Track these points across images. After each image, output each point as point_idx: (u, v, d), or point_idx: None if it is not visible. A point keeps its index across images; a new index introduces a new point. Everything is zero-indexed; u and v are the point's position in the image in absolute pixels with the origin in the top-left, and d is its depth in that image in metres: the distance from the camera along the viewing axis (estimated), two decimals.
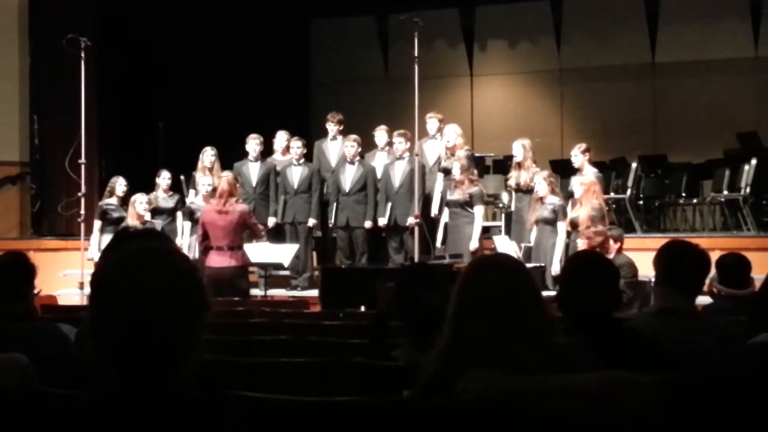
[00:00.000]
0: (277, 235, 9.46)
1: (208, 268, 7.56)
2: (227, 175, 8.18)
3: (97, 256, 8.58)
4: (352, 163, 9.46)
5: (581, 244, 7.00)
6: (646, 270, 6.21)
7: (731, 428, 1.99)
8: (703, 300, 4.72)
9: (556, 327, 2.33)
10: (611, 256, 6.71)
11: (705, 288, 5.83)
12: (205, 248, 7.91)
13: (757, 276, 4.84)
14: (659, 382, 1.99)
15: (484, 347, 2.07)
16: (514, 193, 9.13)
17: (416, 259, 8.57)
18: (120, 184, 9.25)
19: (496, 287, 2.13)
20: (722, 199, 10.49)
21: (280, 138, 10.03)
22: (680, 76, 13.07)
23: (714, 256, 3.80)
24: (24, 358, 2.59)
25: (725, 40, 12.79)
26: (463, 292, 2.17)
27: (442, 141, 9.35)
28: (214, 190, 8.41)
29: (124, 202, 9.11)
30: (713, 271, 5.37)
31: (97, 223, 9.15)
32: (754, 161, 10.01)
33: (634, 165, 10.89)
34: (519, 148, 8.84)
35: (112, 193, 9.25)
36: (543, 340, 2.09)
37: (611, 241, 7.09)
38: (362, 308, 6.54)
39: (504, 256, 2.66)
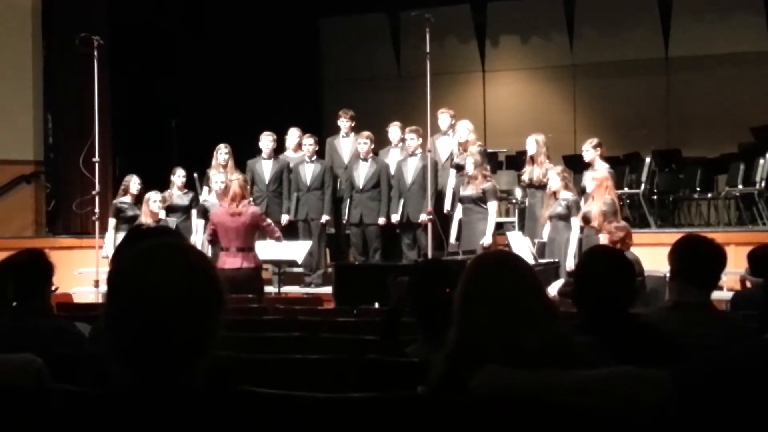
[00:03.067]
0: (290, 232, 9.47)
1: (221, 270, 7.54)
2: (238, 177, 8.13)
3: (112, 254, 8.61)
4: (365, 159, 9.46)
5: (603, 239, 6.97)
6: (661, 265, 6.19)
7: (744, 423, 1.99)
8: (718, 295, 4.72)
9: (563, 320, 2.32)
10: None
11: (738, 282, 5.84)
12: (212, 241, 7.93)
13: None
14: (671, 377, 1.98)
15: (490, 342, 2.07)
16: (527, 189, 9.11)
17: (429, 255, 8.57)
18: (134, 183, 9.28)
19: (497, 283, 2.14)
20: (737, 194, 10.45)
21: (292, 135, 10.05)
22: (693, 71, 13.02)
23: (729, 250, 3.79)
24: (38, 359, 2.59)
25: (738, 34, 12.72)
26: (466, 290, 2.18)
27: (455, 137, 9.35)
28: (227, 188, 8.41)
29: (138, 200, 9.13)
30: (741, 267, 5.37)
31: (112, 221, 9.18)
32: None
33: (647, 160, 10.84)
34: (532, 144, 8.81)
35: (126, 192, 9.28)
36: (547, 333, 2.09)
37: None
38: (376, 305, 6.55)
39: (504, 253, 2.67)
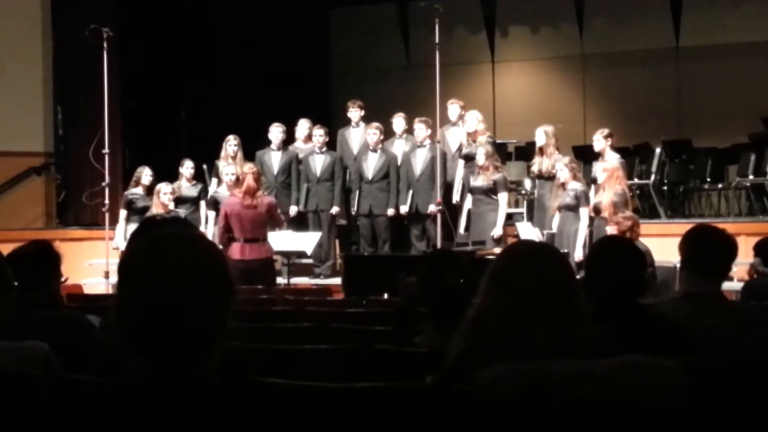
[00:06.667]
0: (300, 223, 9.47)
1: (238, 261, 7.49)
2: (252, 169, 8.07)
3: (122, 245, 8.64)
4: (374, 150, 9.46)
5: (611, 230, 6.95)
6: (671, 256, 6.18)
7: (753, 413, 1.98)
8: (729, 286, 4.70)
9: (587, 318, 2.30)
10: None
11: (746, 273, 5.86)
12: (228, 239, 7.84)
13: None
14: (681, 366, 1.98)
15: (509, 333, 2.06)
16: (536, 180, 9.09)
17: (438, 246, 8.56)
18: (146, 174, 9.30)
19: (532, 276, 2.11)
20: (748, 184, 10.40)
21: (302, 126, 10.04)
22: (704, 60, 12.95)
23: (740, 241, 3.77)
24: (45, 346, 2.60)
25: (749, 23, 12.64)
26: (499, 276, 2.14)
27: (464, 128, 9.33)
28: (238, 179, 8.40)
29: (150, 191, 9.15)
30: (752, 257, 5.37)
31: (123, 213, 9.21)
32: None
33: (658, 150, 10.80)
34: (541, 135, 8.80)
35: (137, 183, 9.30)
36: (573, 332, 2.07)
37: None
38: (385, 295, 6.54)
39: (542, 245, 2.64)
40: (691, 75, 13.08)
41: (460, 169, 9.25)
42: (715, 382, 2.03)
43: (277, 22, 12.84)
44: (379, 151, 9.46)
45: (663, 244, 7.29)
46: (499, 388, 1.96)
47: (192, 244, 1.65)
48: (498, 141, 9.95)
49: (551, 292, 2.08)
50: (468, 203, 8.87)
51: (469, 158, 9.03)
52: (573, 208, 8.11)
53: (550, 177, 8.61)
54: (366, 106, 10.04)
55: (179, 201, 9.19)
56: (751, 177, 10.26)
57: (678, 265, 3.36)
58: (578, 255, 7.82)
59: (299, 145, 10.04)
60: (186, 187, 9.45)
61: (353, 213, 9.71)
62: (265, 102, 11.81)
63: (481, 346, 2.08)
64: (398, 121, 9.75)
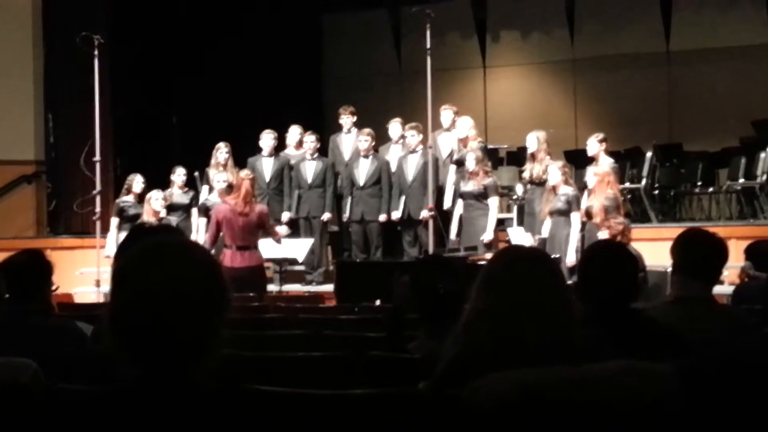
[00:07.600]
0: (291, 230, 9.46)
1: (227, 268, 7.44)
2: (249, 175, 8.02)
3: (114, 252, 8.60)
4: (366, 156, 9.46)
5: (603, 234, 6.96)
6: (662, 260, 6.19)
7: (745, 416, 1.98)
8: (719, 289, 4.70)
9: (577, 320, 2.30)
10: None
11: (737, 277, 5.88)
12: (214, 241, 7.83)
13: None
14: (673, 370, 1.98)
15: (501, 337, 2.05)
16: (527, 186, 9.09)
17: (431, 252, 8.56)
18: (137, 182, 9.28)
19: (523, 280, 2.11)
20: (738, 188, 10.43)
21: (293, 132, 10.04)
22: (695, 64, 12.99)
23: (731, 245, 3.79)
24: (33, 363, 2.57)
25: (740, 26, 12.70)
26: (490, 281, 2.14)
27: (455, 133, 9.33)
28: (230, 186, 8.36)
29: (141, 199, 9.13)
30: (743, 261, 5.39)
31: (115, 221, 9.19)
32: None
33: (649, 154, 10.82)
34: (533, 140, 8.80)
35: (129, 191, 9.27)
36: (566, 336, 2.07)
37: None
38: (378, 302, 6.54)
39: (534, 250, 2.64)
40: (682, 79, 13.12)
41: (451, 175, 9.25)
42: (708, 385, 2.03)
43: (269, 28, 12.83)
44: (370, 157, 9.47)
45: (654, 248, 7.30)
46: (493, 394, 1.96)
47: (186, 252, 1.65)
48: (489, 146, 9.96)
49: (542, 297, 2.09)
50: (459, 208, 8.88)
51: (460, 163, 9.03)
52: (564, 213, 8.12)
53: (542, 182, 8.62)
54: (358, 111, 10.05)
55: (171, 208, 9.17)
56: (741, 181, 10.29)
57: (669, 269, 3.37)
58: (570, 260, 7.82)
59: (290, 152, 10.03)
60: (178, 194, 9.43)
61: (345, 219, 9.70)
62: (257, 108, 11.80)
63: (473, 351, 2.08)
64: (394, 127, 9.76)
